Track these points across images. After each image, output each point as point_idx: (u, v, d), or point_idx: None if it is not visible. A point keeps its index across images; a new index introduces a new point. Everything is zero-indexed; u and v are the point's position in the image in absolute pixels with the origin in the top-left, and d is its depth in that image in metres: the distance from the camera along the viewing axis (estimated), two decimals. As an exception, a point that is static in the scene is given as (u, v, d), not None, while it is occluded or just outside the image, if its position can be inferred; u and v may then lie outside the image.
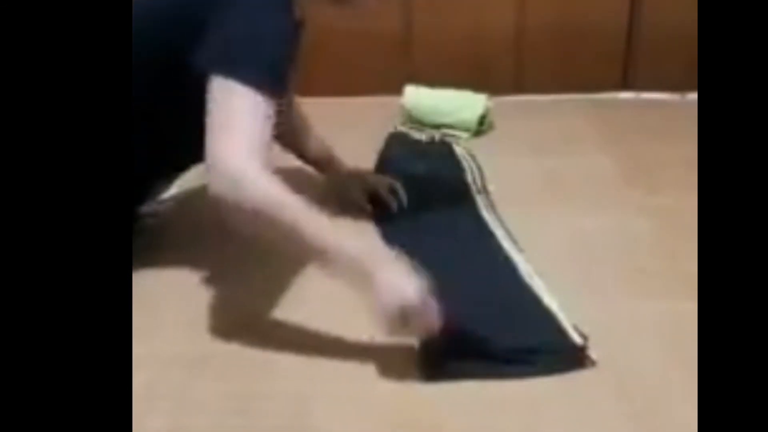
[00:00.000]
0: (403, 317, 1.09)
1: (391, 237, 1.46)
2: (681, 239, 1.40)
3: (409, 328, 1.11)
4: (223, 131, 1.16)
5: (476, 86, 2.11)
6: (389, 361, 1.15)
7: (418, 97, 2.07)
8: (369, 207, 1.58)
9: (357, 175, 1.66)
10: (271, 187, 1.13)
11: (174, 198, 1.67)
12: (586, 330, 1.18)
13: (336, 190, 1.64)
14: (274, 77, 1.22)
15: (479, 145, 1.87)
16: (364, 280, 1.11)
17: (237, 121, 1.17)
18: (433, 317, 1.11)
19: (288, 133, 1.57)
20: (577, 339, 1.16)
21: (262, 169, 1.14)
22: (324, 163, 1.69)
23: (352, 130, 1.92)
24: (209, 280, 1.37)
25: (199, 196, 1.67)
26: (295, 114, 1.65)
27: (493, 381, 1.11)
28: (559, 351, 1.15)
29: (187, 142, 1.23)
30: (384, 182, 1.61)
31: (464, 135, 1.97)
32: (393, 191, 1.59)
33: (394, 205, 1.57)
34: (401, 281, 1.10)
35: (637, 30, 2.33)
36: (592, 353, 1.14)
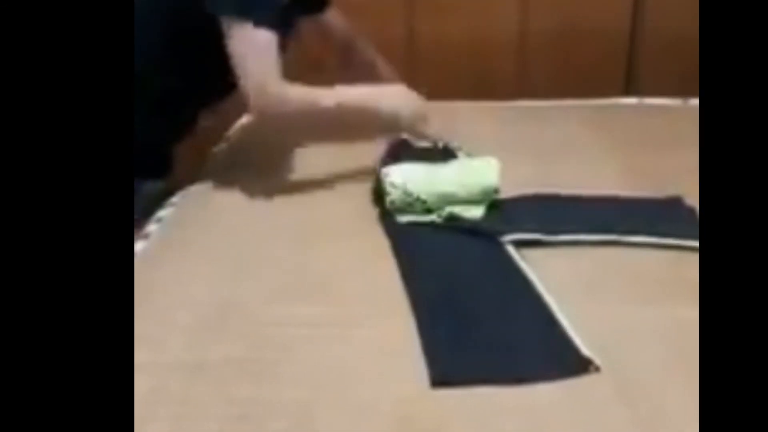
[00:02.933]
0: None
1: (402, 242, 1.45)
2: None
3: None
4: (251, 62, 1.50)
5: (478, 92, 2.11)
6: (395, 368, 1.15)
7: (409, 174, 1.55)
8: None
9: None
10: (302, 91, 1.53)
11: (176, 204, 1.68)
12: (589, 336, 1.18)
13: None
14: (276, 16, 1.50)
15: (482, 152, 1.86)
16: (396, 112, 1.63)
17: (259, 53, 1.50)
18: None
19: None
20: (582, 348, 1.16)
21: (286, 82, 1.51)
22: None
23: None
24: (212, 286, 1.37)
25: (201, 201, 1.68)
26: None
27: (498, 387, 1.10)
28: (564, 357, 1.15)
29: (211, 77, 1.57)
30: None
31: (479, 212, 1.56)
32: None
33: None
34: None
35: (639, 35, 2.34)
36: (596, 359, 1.14)
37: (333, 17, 1.94)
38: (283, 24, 1.54)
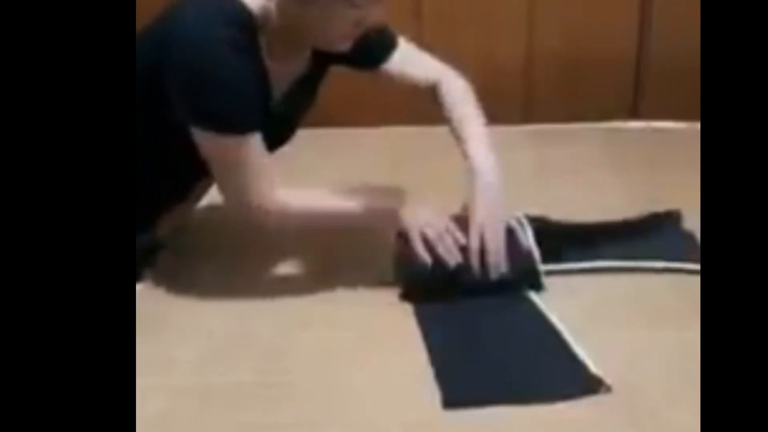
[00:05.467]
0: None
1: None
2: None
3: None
4: (238, 179, 1.32)
5: (485, 115, 2.11)
6: (406, 389, 1.16)
7: None
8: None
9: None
10: (303, 204, 1.38)
11: (186, 227, 1.68)
12: (598, 357, 1.19)
13: None
14: (247, 116, 1.30)
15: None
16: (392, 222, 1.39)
17: (237, 168, 1.31)
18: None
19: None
20: (592, 367, 1.17)
21: (278, 192, 1.34)
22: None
23: (362, 159, 1.93)
24: (224, 310, 1.38)
25: (212, 223, 1.68)
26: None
27: (507, 411, 1.10)
28: (574, 378, 1.16)
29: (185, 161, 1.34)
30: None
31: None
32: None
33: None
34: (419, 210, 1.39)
35: (646, 59, 2.34)
36: (607, 380, 1.14)
37: (411, 66, 1.61)
38: (253, 116, 1.31)
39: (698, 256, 1.35)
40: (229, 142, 1.29)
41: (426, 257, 1.37)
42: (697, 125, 2.11)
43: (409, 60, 1.59)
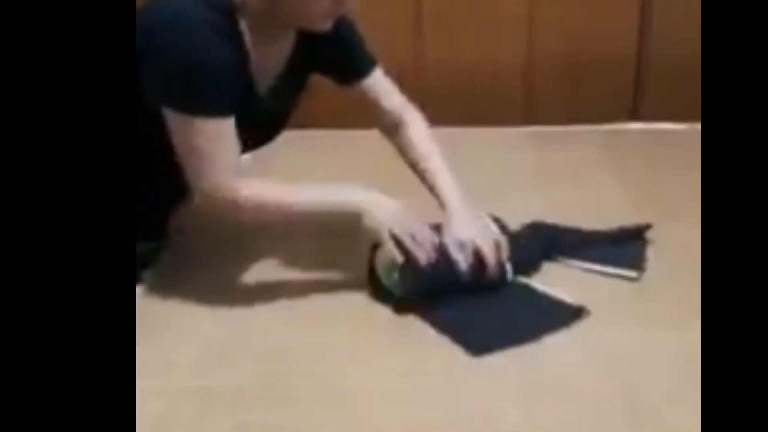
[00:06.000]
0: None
1: None
2: (690, 268, 1.39)
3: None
4: (195, 162, 1.31)
5: (486, 118, 2.12)
6: (406, 389, 1.16)
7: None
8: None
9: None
10: (255, 192, 1.34)
11: (186, 229, 1.68)
12: (598, 356, 1.21)
13: None
14: (220, 99, 1.30)
15: (490, 177, 1.87)
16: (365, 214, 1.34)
17: (203, 150, 1.30)
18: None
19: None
20: (570, 300, 1.35)
21: (239, 180, 1.32)
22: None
23: (352, 161, 1.93)
24: (225, 311, 1.38)
25: (212, 224, 1.67)
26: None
27: (507, 408, 1.11)
28: (560, 312, 1.34)
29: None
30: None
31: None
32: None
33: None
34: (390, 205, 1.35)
35: (646, 60, 2.34)
36: (604, 381, 1.16)
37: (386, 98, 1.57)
38: (228, 102, 1.31)
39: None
40: (199, 123, 1.28)
41: (425, 258, 1.34)
42: (698, 126, 2.13)
43: (384, 87, 1.57)
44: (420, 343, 1.27)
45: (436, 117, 1.64)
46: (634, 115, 2.33)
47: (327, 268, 1.50)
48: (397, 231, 1.34)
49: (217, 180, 1.31)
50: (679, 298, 1.36)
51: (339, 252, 1.54)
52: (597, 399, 1.13)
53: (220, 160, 1.31)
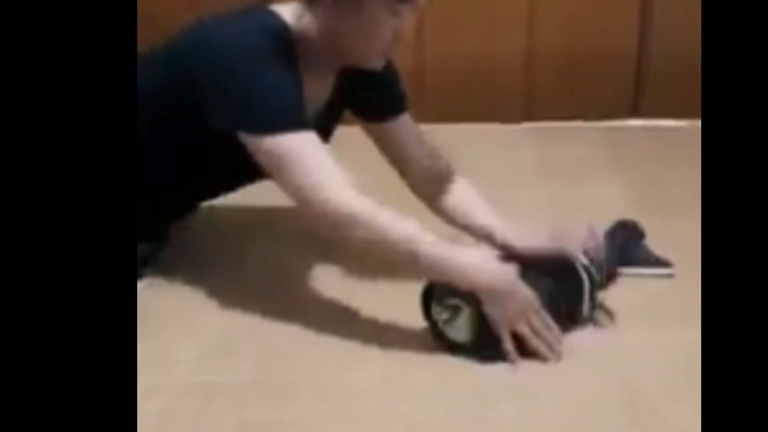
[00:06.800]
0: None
1: None
2: (691, 266, 1.39)
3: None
4: (295, 180, 1.21)
5: (486, 114, 2.12)
6: (406, 388, 1.16)
7: None
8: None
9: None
10: (372, 215, 1.19)
11: (188, 226, 1.68)
12: (598, 356, 1.20)
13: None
14: (294, 111, 1.24)
15: (490, 174, 1.87)
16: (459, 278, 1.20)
17: (295, 165, 1.21)
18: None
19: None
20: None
21: (351, 192, 1.20)
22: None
23: (357, 158, 1.93)
24: (226, 308, 1.38)
25: (215, 223, 1.68)
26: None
27: (507, 408, 1.11)
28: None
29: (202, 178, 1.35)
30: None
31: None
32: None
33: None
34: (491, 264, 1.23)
35: (646, 57, 2.34)
36: (605, 380, 1.16)
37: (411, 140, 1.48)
38: (302, 116, 1.25)
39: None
40: (283, 140, 1.21)
41: (513, 356, 1.20)
42: (698, 123, 2.12)
43: (414, 129, 1.49)
44: (420, 343, 1.27)
45: (436, 113, 1.64)
46: (635, 112, 2.33)
47: (328, 266, 1.50)
48: (519, 327, 1.20)
49: (331, 188, 1.19)
50: (680, 295, 1.36)
51: (339, 251, 1.54)
52: (597, 398, 1.13)
53: (327, 168, 1.22)
